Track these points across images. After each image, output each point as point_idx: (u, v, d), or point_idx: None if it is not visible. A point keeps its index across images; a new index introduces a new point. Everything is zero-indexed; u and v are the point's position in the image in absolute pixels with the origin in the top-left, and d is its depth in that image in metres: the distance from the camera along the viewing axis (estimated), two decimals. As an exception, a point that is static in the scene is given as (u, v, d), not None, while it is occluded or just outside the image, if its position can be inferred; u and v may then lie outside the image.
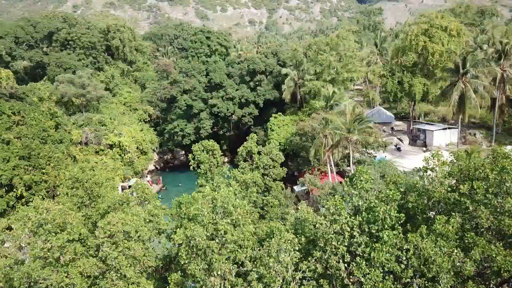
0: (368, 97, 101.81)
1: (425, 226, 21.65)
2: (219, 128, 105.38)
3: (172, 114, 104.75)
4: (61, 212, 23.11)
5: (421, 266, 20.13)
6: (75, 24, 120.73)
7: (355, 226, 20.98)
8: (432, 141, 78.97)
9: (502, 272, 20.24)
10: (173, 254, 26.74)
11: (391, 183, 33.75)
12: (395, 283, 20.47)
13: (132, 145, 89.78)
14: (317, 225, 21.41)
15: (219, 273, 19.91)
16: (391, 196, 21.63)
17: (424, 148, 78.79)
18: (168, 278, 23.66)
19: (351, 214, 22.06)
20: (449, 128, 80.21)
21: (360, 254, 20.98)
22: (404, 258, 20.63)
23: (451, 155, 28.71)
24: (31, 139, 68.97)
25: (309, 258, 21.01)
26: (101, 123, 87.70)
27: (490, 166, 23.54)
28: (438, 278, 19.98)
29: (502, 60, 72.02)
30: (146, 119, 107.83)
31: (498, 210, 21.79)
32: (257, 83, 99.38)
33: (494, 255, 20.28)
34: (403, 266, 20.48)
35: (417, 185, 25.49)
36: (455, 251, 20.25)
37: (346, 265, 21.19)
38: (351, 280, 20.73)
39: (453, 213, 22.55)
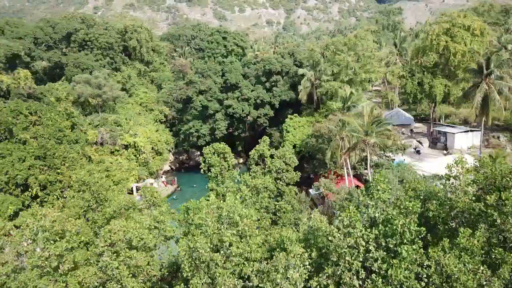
0: (387, 98, 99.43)
1: (448, 239, 20.00)
2: (234, 129, 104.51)
3: (188, 114, 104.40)
4: (60, 219, 22.31)
5: (443, 284, 18.47)
6: (93, 24, 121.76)
7: (371, 240, 19.45)
8: (453, 144, 76.43)
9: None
10: (180, 262, 25.64)
11: (410, 189, 32.15)
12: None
13: (147, 146, 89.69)
14: (329, 238, 19.94)
15: (223, 288, 18.73)
16: (410, 208, 19.96)
17: (445, 151, 76.29)
18: None
19: (367, 226, 20.52)
20: (471, 130, 77.51)
21: (376, 270, 19.45)
22: (424, 275, 19.03)
23: (475, 161, 26.93)
24: (47, 139, 69.28)
25: (320, 274, 19.61)
26: (117, 123, 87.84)
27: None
28: (461, 298, 18.36)
29: (528, 60, 69.04)
30: (162, 119, 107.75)
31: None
32: (273, 83, 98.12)
33: (524, 273, 18.58)
34: (423, 284, 18.83)
35: (438, 194, 23.78)
36: (481, 268, 18.55)
37: (360, 282, 19.69)
38: (366, 298, 19.28)
39: (479, 226, 20.86)
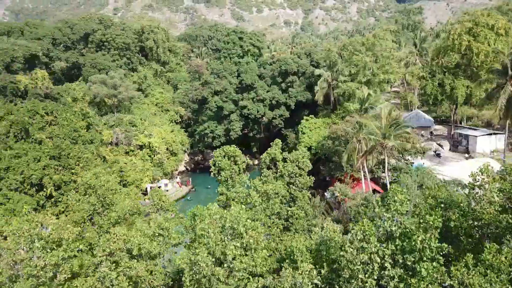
0: (406, 99, 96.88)
1: (471, 255, 18.36)
2: (249, 130, 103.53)
3: (203, 115, 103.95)
4: (57, 226, 21.51)
5: (467, 306, 16.89)
6: (110, 25, 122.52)
7: (386, 256, 17.90)
8: (475, 147, 73.74)
9: None
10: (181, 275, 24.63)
11: (430, 197, 30.50)
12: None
13: (162, 146, 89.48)
14: (341, 252, 18.46)
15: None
16: (431, 222, 18.29)
17: (467, 155, 73.70)
18: None
19: (382, 240, 18.95)
20: (494, 133, 74.66)
21: (393, 290, 17.92)
22: (446, 296, 17.44)
23: (502, 168, 25.09)
24: (62, 139, 69.52)
25: (331, 292, 18.28)
26: (132, 123, 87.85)
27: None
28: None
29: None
30: (177, 120, 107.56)
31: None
32: (289, 84, 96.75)
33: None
34: (444, 305, 17.25)
35: (461, 204, 22.09)
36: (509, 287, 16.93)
37: (375, 302, 18.12)
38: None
39: (506, 240, 19.17)
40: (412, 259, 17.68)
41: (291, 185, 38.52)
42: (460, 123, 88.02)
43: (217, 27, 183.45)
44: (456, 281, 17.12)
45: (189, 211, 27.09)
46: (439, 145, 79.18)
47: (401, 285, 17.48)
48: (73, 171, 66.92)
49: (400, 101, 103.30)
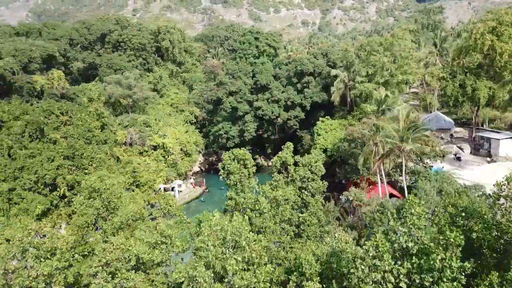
0: (425, 101, 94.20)
1: (496, 272, 16.76)
2: (264, 131, 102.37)
3: (218, 116, 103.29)
4: (51, 235, 20.67)
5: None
6: (126, 26, 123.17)
7: (401, 275, 16.32)
8: (497, 151, 71.11)
9: None
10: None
11: (450, 205, 28.82)
12: None
13: (176, 147, 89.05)
14: (351, 270, 16.96)
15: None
16: (452, 240, 16.61)
17: (489, 159, 71.11)
18: None
19: (398, 256, 17.37)
20: (518, 136, 71.82)
21: (409, 312, 16.34)
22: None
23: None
24: (76, 139, 69.68)
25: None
26: (146, 124, 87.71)
27: None
28: None
29: None
30: (192, 120, 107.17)
31: None
32: (304, 85, 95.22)
33: None
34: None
35: (485, 216, 20.45)
36: (538, 311, 15.34)
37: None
38: None
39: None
40: (431, 279, 16.00)
41: (303, 190, 37.10)
42: (482, 125, 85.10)
43: (234, 28, 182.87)
44: (480, 304, 15.62)
45: (195, 217, 26.07)
46: (460, 148, 76.73)
47: (418, 307, 15.99)
48: (86, 171, 66.91)
49: (419, 102, 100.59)
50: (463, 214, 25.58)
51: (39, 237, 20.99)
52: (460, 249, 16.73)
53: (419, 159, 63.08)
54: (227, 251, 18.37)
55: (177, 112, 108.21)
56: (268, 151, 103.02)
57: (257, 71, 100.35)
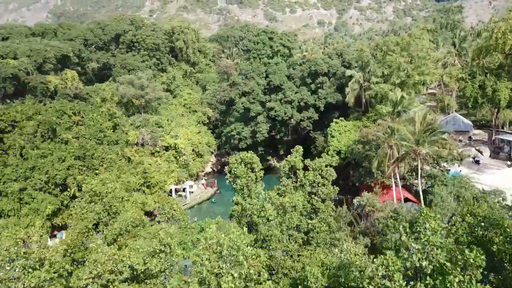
0: (443, 102, 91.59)
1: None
2: (276, 132, 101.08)
3: (231, 116, 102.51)
4: (40, 244, 19.80)
5: None
6: (141, 26, 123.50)
7: (414, 298, 14.95)
8: (518, 154, 68.45)
9: None
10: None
11: (468, 214, 27.21)
12: None
13: (188, 148, 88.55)
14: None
15: None
16: (472, 260, 14.93)
17: (509, 162, 68.60)
18: None
19: (410, 274, 15.83)
20: (541, 140, 69.06)
21: None
22: None
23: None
24: (87, 140, 69.65)
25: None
26: (158, 124, 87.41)
27: None
28: None
29: None
30: (204, 121, 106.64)
31: None
32: (318, 85, 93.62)
33: None
34: None
35: (508, 229, 18.90)
36: None
37: None
38: None
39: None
40: (447, 303, 14.46)
41: (313, 196, 35.67)
42: (502, 127, 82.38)
43: (248, 28, 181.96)
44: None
45: (198, 223, 25.05)
46: (478, 151, 74.28)
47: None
48: (97, 171, 66.80)
49: (436, 103, 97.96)
50: (482, 224, 24.09)
51: (29, 246, 20.14)
52: (481, 270, 15.19)
53: (436, 162, 61.02)
54: (224, 265, 17.20)
55: (190, 112, 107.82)
56: (281, 152, 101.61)
57: (271, 72, 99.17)
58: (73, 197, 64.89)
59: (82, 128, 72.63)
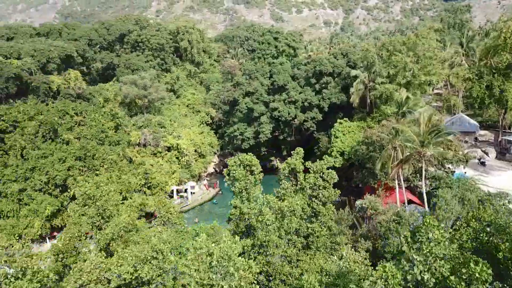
0: (449, 102, 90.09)
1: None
2: (280, 133, 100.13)
3: (234, 117, 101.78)
4: (22, 252, 19.06)
5: None
6: (146, 26, 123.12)
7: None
8: (526, 156, 67.00)
9: None
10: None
11: (472, 219, 26.24)
12: None
13: (190, 148, 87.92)
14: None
15: None
16: (477, 274, 13.86)
17: (516, 164, 67.08)
18: None
19: (411, 287, 14.79)
20: (549, 141, 67.52)
21: None
22: None
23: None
24: (88, 140, 69.26)
25: None
26: (160, 125, 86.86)
27: None
28: None
29: None
30: (208, 121, 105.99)
31: None
32: (323, 85, 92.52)
33: None
34: None
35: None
36: None
37: None
38: None
39: None
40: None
41: (313, 199, 34.63)
42: (509, 128, 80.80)
43: (254, 28, 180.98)
44: None
45: (192, 227, 24.30)
46: (484, 152, 72.98)
47: None
48: (97, 172, 66.38)
49: (442, 104, 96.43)
50: (488, 229, 23.21)
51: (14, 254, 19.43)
52: (487, 285, 14.15)
53: (440, 164, 59.80)
54: (214, 276, 16.30)
55: (193, 113, 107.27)
56: (284, 153, 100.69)
57: (275, 72, 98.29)
58: (73, 198, 64.50)
59: (83, 129, 72.29)
